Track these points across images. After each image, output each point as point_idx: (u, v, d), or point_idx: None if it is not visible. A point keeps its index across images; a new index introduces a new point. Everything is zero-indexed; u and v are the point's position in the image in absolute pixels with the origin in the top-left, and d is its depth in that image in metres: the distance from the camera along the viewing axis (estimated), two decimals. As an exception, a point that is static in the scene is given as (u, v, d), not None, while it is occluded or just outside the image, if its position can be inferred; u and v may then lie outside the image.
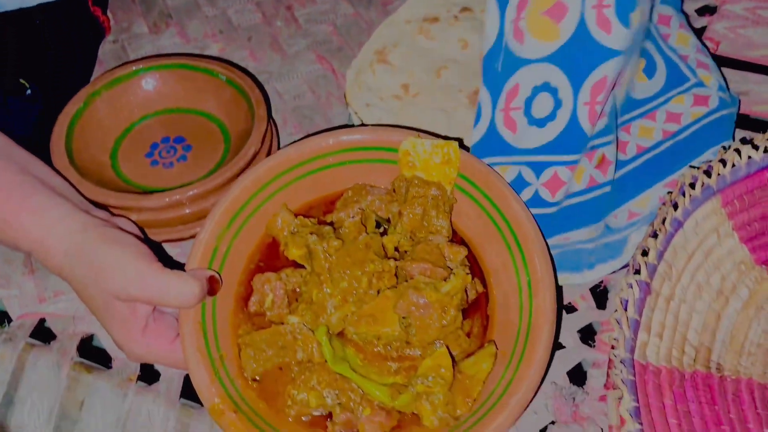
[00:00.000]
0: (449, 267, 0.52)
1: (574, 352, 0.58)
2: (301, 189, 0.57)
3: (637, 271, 0.47)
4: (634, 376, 0.44)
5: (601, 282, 0.61)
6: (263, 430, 0.46)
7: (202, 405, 0.49)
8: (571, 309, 0.60)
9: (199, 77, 0.66)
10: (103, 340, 0.57)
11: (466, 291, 0.52)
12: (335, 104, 0.73)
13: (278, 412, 0.48)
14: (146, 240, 0.50)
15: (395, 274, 0.52)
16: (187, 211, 0.59)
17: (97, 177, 0.60)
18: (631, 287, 0.46)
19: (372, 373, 0.49)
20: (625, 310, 0.45)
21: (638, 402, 0.43)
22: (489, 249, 0.54)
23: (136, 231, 0.51)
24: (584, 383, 0.56)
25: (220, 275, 0.52)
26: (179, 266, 0.51)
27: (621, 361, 0.44)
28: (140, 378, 0.56)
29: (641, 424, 0.43)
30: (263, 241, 0.56)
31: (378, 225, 0.56)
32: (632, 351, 0.45)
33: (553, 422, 0.54)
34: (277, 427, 0.47)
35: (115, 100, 0.66)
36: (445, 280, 0.50)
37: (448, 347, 0.49)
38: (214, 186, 0.58)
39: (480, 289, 0.53)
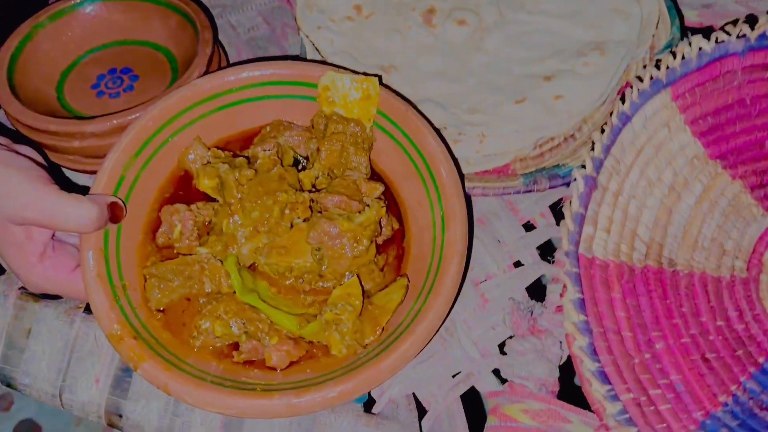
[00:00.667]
0: (365, 202, 0.51)
1: (532, 268, 0.57)
2: (217, 123, 0.55)
3: (583, 166, 0.45)
4: (579, 269, 0.42)
5: (560, 199, 0.60)
6: (165, 359, 0.44)
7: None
8: (530, 227, 0.59)
9: (144, 6, 0.65)
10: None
11: (381, 225, 0.51)
12: (290, 35, 0.72)
13: (183, 343, 0.47)
14: (49, 167, 0.47)
15: (310, 208, 0.50)
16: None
17: (42, 108, 0.59)
18: (576, 181, 0.45)
19: (283, 305, 0.48)
20: (570, 204, 0.44)
21: (583, 294, 0.42)
22: (406, 186, 0.53)
23: (39, 158, 0.49)
24: (543, 299, 0.55)
25: (125, 204, 0.50)
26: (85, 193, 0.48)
27: (565, 254, 0.42)
28: (87, 308, 0.55)
29: (586, 316, 0.41)
30: (175, 174, 0.54)
31: (296, 162, 0.54)
32: (576, 244, 0.43)
33: (511, 336, 0.53)
34: (181, 356, 0.45)
35: (60, 32, 0.64)
36: (359, 213, 0.49)
37: (360, 279, 0.48)
38: (157, 109, 0.56)
39: (396, 226, 0.53)
